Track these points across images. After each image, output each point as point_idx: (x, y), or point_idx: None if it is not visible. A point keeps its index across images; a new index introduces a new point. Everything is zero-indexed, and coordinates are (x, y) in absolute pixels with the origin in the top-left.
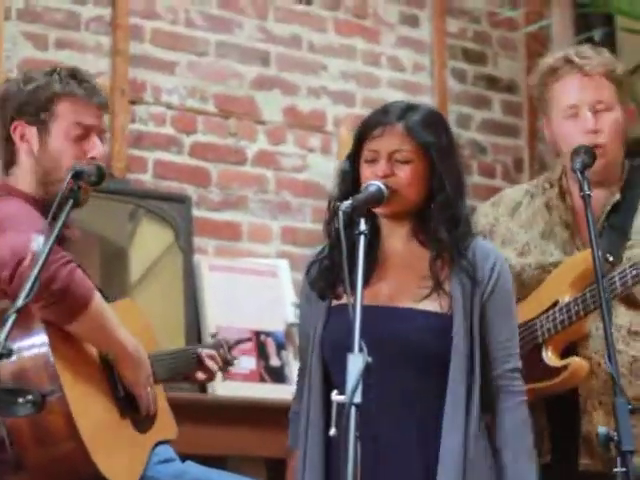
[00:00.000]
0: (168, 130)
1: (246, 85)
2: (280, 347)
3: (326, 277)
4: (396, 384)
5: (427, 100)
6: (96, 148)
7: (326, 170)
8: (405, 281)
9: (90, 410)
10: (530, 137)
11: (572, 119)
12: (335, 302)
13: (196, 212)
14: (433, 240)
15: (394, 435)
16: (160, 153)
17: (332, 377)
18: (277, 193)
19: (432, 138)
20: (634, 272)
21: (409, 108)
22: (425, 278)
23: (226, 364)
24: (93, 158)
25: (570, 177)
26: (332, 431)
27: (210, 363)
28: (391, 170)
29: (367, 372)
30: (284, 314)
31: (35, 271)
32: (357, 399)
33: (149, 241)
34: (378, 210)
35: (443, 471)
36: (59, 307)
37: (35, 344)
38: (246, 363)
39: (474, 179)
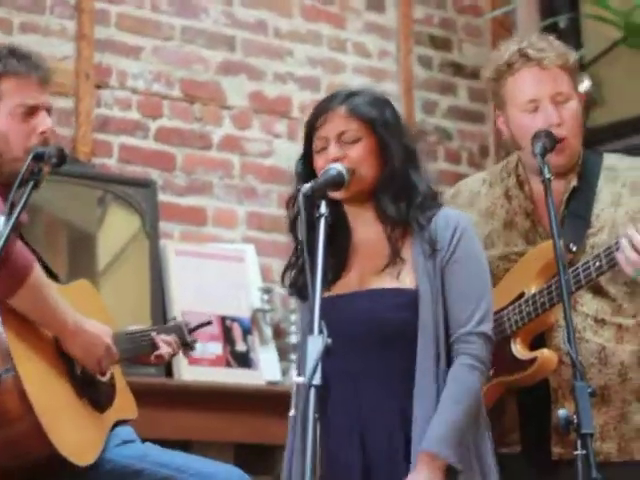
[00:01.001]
0: (133, 115)
1: (212, 70)
2: (246, 332)
3: (298, 277)
4: (373, 360)
5: (393, 86)
6: (44, 123)
7: (292, 156)
8: (373, 264)
9: (45, 389)
10: (496, 124)
11: (531, 113)
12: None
13: (162, 197)
14: (384, 215)
15: (377, 403)
16: (125, 138)
17: None
18: (243, 178)
19: (376, 114)
20: (597, 264)
21: (352, 93)
22: (388, 257)
23: (186, 347)
24: (43, 132)
25: (527, 167)
26: (291, 412)
27: (164, 348)
28: (342, 152)
29: (326, 354)
30: (250, 299)
31: None
32: (316, 380)
33: (117, 227)
34: (338, 195)
35: (416, 439)
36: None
37: None
38: (212, 348)
39: (440, 165)
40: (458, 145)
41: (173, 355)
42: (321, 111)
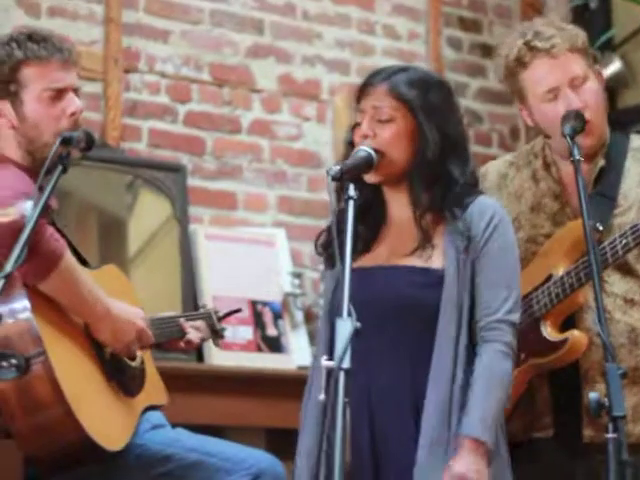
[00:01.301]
0: (163, 99)
1: (241, 53)
2: (277, 316)
3: (329, 245)
4: (392, 336)
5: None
6: (73, 104)
7: (321, 139)
8: (402, 242)
9: (75, 373)
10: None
11: (553, 102)
12: None
13: (191, 181)
14: (414, 201)
15: (388, 383)
16: (154, 122)
17: None
18: (272, 162)
19: (415, 95)
20: (624, 241)
21: (400, 69)
22: (420, 241)
23: (215, 335)
24: (73, 114)
25: (556, 150)
26: (321, 396)
27: (192, 333)
28: (372, 131)
29: (356, 336)
30: (281, 283)
31: (24, 236)
32: (345, 364)
33: (147, 212)
34: (370, 178)
35: (426, 421)
36: (30, 263)
37: (17, 309)
38: (243, 333)
39: (470, 148)
40: (488, 127)
41: (203, 340)
42: (365, 83)
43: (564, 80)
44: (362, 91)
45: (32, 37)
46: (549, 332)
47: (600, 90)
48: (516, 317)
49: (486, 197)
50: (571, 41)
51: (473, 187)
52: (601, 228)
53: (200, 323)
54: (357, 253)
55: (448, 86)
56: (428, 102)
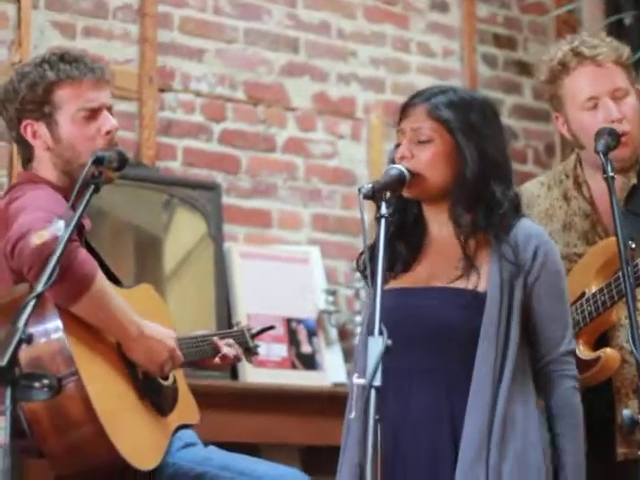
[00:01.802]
0: (197, 118)
1: (275, 72)
2: (311, 334)
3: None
4: (429, 359)
5: (457, 85)
6: (108, 123)
7: (356, 156)
8: (442, 263)
9: (107, 393)
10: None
11: (592, 111)
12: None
13: (226, 200)
14: (455, 223)
15: (424, 408)
16: (189, 141)
17: None
18: (307, 180)
19: (454, 116)
20: None
21: (441, 91)
22: (461, 260)
23: (249, 352)
24: (108, 132)
25: (586, 167)
26: (352, 414)
27: (226, 349)
28: (410, 152)
29: (387, 354)
30: (315, 301)
31: (55, 257)
32: (377, 382)
33: (183, 230)
34: (406, 194)
35: (462, 457)
36: (62, 286)
37: (49, 329)
38: (277, 350)
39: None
40: (524, 144)
41: (238, 359)
42: (406, 104)
43: (606, 90)
44: (402, 112)
45: (64, 58)
46: (582, 350)
47: (638, 107)
48: (574, 344)
49: (529, 221)
50: (616, 54)
51: (517, 210)
52: (634, 245)
53: (232, 341)
54: (396, 273)
55: (491, 107)
56: (467, 122)
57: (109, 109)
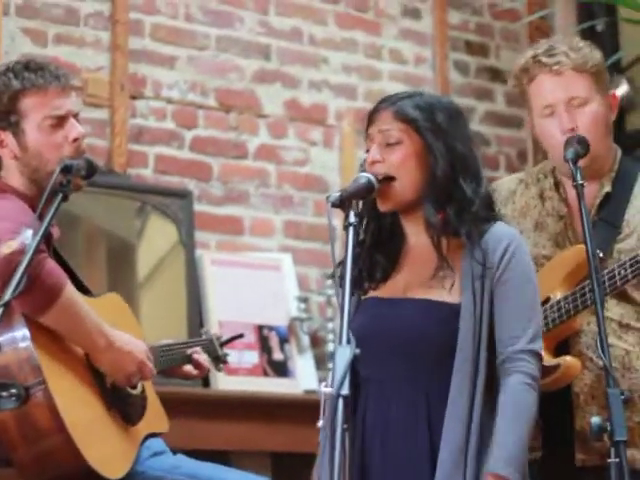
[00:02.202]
0: (169, 125)
1: (247, 79)
2: (283, 341)
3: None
4: (405, 372)
5: (429, 92)
6: (74, 130)
7: (328, 163)
8: (421, 272)
9: (75, 403)
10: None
11: (549, 118)
12: (364, 296)
13: (198, 207)
14: (427, 224)
15: (405, 416)
16: (161, 148)
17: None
18: (279, 187)
19: (422, 116)
20: (622, 272)
21: (407, 95)
22: (437, 268)
23: (218, 360)
24: (75, 140)
25: (560, 170)
26: (319, 423)
27: (201, 358)
28: (381, 156)
29: (355, 363)
30: (287, 308)
31: (23, 266)
32: (344, 391)
33: (155, 238)
34: (382, 208)
35: (441, 463)
36: (30, 296)
37: (17, 338)
38: (249, 357)
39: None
40: (496, 150)
41: (207, 371)
42: (373, 110)
43: (561, 99)
44: (370, 118)
45: (29, 66)
46: (542, 356)
47: (602, 114)
48: (539, 346)
49: (503, 224)
50: (581, 61)
51: (489, 209)
52: (601, 255)
53: (199, 349)
54: (376, 282)
55: (456, 107)
56: (434, 122)
57: (75, 116)
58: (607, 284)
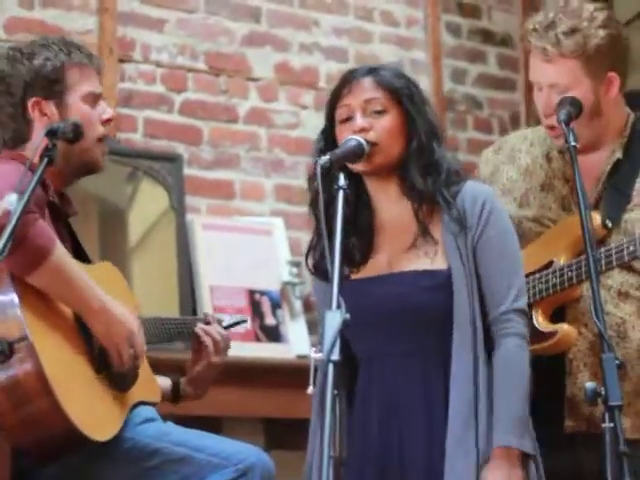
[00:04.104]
0: (158, 88)
1: (237, 42)
2: (275, 306)
3: (321, 259)
4: (405, 345)
5: (421, 55)
6: (107, 111)
7: (319, 127)
8: (401, 243)
9: (62, 364)
10: (527, 91)
11: (539, 92)
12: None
13: (188, 171)
14: (412, 190)
15: (403, 389)
16: (150, 112)
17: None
18: (270, 151)
19: (402, 85)
20: (631, 248)
21: (377, 67)
22: (417, 237)
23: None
24: (109, 120)
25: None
26: (309, 389)
27: (205, 339)
28: (369, 123)
29: (345, 327)
30: (279, 273)
31: (9, 228)
32: (334, 356)
33: (147, 203)
34: (361, 168)
35: (452, 421)
36: (16, 256)
37: (3, 299)
38: None
39: (470, 134)
40: (488, 113)
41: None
42: (346, 81)
43: (544, 82)
44: (343, 88)
45: (72, 43)
46: (540, 321)
47: (588, 97)
48: (523, 303)
49: (475, 182)
50: (572, 47)
51: (457, 175)
52: (610, 225)
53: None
54: (356, 265)
55: (416, 83)
56: (411, 91)
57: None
58: (614, 257)
